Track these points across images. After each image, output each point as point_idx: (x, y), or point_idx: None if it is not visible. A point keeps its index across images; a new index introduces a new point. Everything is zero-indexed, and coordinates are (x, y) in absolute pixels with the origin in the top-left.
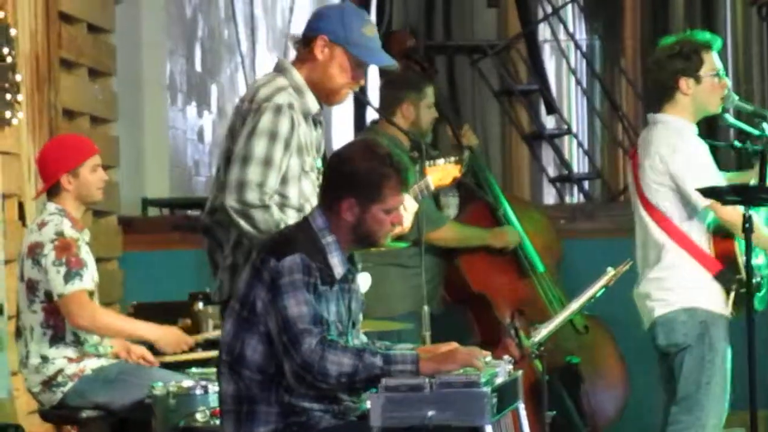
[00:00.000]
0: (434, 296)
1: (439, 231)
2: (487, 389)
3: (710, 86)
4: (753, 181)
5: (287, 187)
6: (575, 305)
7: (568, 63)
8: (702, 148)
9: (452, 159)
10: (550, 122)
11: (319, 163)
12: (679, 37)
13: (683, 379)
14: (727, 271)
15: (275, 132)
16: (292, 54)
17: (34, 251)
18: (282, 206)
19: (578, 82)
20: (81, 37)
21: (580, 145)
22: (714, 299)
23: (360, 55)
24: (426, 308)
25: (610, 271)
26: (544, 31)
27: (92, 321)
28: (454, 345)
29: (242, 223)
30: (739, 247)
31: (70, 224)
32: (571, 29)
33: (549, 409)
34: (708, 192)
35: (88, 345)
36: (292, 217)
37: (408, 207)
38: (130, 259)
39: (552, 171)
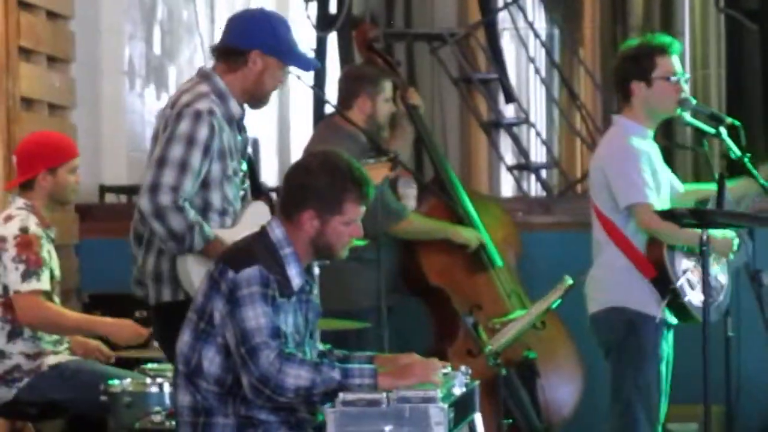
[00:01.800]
0: (393, 289)
1: (401, 223)
2: (444, 404)
3: (661, 90)
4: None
5: (210, 192)
6: (532, 314)
7: (527, 52)
8: (644, 153)
9: (383, 159)
10: (508, 111)
11: (244, 166)
12: (640, 39)
13: (615, 380)
14: (661, 279)
15: (193, 137)
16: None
17: None
18: (204, 211)
19: (537, 71)
20: (40, 24)
21: (537, 134)
22: (644, 300)
23: (293, 62)
24: (383, 308)
25: (568, 280)
26: (503, 20)
27: (43, 321)
28: (413, 356)
29: (155, 225)
30: (668, 256)
31: (36, 221)
32: (530, 18)
33: (505, 416)
34: (666, 215)
35: (45, 341)
36: (214, 221)
37: None
38: (87, 246)
39: (510, 159)
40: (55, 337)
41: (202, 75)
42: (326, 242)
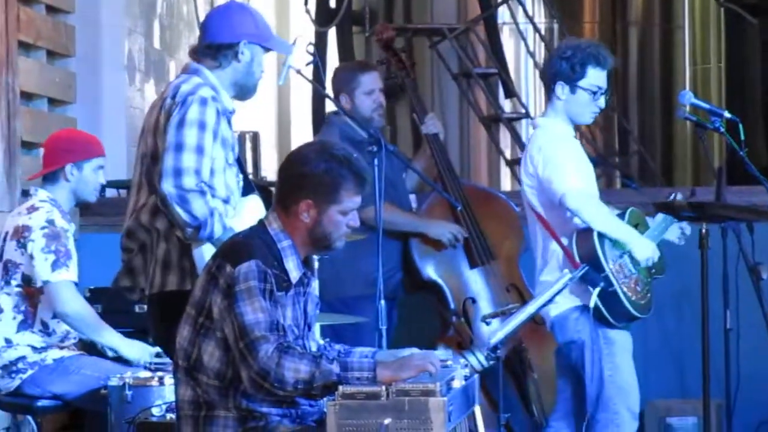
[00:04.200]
0: (391, 281)
1: (366, 210)
2: (443, 397)
3: (583, 100)
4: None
5: (213, 178)
6: (531, 308)
7: (526, 46)
8: (572, 152)
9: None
10: (508, 105)
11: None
12: (580, 42)
13: (588, 378)
14: (591, 270)
15: (203, 122)
16: None
17: (21, 234)
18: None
19: (536, 66)
20: (39, 18)
21: None
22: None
23: (275, 47)
24: (382, 302)
25: (567, 274)
26: (503, 14)
27: (77, 311)
28: (412, 350)
29: (178, 209)
30: (599, 243)
31: (61, 215)
32: (530, 12)
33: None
34: (664, 206)
35: (55, 336)
36: (219, 208)
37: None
38: (87, 241)
39: (509, 154)
40: (64, 330)
41: (193, 71)
42: (323, 232)
